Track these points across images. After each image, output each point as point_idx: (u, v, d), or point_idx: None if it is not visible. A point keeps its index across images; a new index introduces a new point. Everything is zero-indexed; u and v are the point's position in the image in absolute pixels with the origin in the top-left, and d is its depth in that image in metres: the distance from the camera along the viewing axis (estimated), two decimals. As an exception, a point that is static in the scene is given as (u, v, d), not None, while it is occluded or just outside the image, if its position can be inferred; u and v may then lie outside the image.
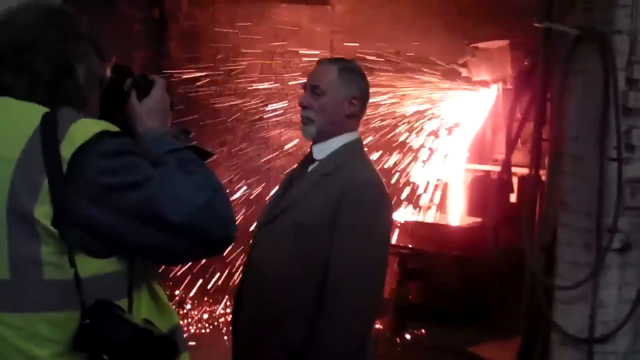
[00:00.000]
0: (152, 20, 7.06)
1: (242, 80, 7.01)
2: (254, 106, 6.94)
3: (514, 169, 4.58)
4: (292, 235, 2.31)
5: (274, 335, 2.31)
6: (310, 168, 2.44)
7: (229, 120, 7.01)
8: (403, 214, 6.15)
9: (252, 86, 6.94)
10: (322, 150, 2.41)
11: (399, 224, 5.86)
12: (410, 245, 5.82)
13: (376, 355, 5.24)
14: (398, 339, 5.53)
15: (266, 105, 7.05)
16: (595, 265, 3.03)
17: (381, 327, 5.61)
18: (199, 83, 6.82)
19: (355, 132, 2.46)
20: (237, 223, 1.59)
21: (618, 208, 2.96)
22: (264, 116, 7.07)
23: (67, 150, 1.40)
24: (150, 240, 1.46)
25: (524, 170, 4.75)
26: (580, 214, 3.14)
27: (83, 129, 1.43)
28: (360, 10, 7.00)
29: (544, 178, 3.65)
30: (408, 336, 5.57)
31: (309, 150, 2.49)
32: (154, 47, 6.97)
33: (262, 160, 6.92)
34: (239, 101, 6.98)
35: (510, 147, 3.76)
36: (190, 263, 1.74)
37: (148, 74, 1.73)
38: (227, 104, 7.00)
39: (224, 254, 1.54)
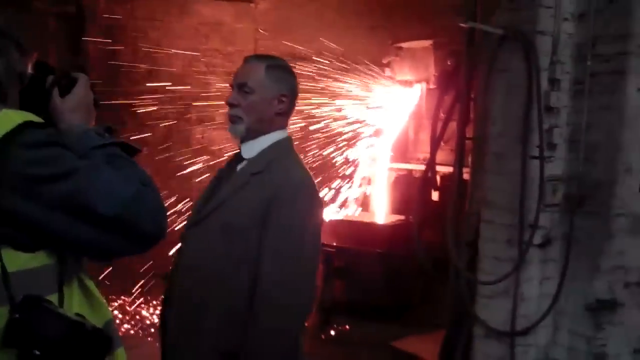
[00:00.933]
0: (68, 17, 6.84)
1: (163, 78, 6.89)
2: (174, 107, 6.84)
3: (437, 168, 4.66)
4: (221, 236, 2.26)
5: (204, 338, 2.26)
6: (239, 167, 2.40)
7: (147, 122, 6.89)
8: (327, 213, 6.18)
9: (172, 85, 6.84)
10: (251, 149, 2.38)
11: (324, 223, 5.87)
12: (334, 243, 5.85)
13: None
14: (323, 336, 5.55)
15: (188, 105, 6.96)
16: (518, 260, 3.11)
17: (307, 323, 5.62)
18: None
19: (284, 130, 2.44)
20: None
21: (539, 205, 3.04)
22: (186, 116, 6.99)
23: None
24: (78, 234, 1.42)
25: (447, 169, 4.87)
26: (503, 210, 3.21)
27: (5, 120, 1.40)
28: (284, 7, 7.00)
29: (466, 176, 3.72)
30: (333, 332, 5.60)
31: (237, 149, 2.45)
32: (71, 44, 6.77)
33: (184, 161, 6.83)
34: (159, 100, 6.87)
35: (435, 145, 3.81)
36: (120, 257, 1.66)
37: (70, 72, 1.70)
38: (146, 102, 6.88)
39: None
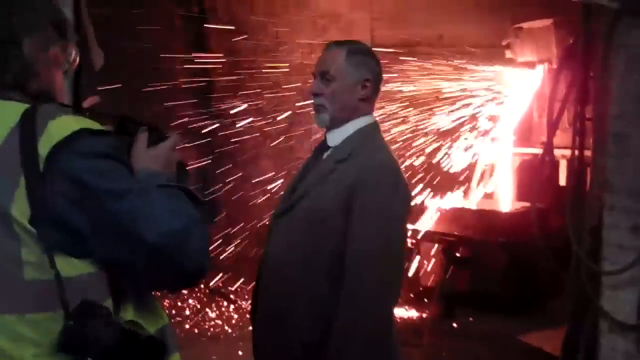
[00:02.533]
0: (192, 15, 7.10)
1: (281, 72, 6.98)
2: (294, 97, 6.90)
3: (563, 152, 4.44)
4: (307, 224, 2.26)
5: (289, 326, 2.27)
6: (324, 155, 2.38)
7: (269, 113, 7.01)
8: (449, 201, 6.06)
9: (291, 77, 6.90)
10: (336, 137, 2.36)
11: (443, 211, 5.77)
12: (456, 232, 5.72)
13: (423, 345, 5.23)
14: (445, 328, 5.44)
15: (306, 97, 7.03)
16: (643, 248, 2.90)
17: (428, 315, 5.54)
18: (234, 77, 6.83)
19: (370, 116, 2.39)
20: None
21: (665, 187, 2.82)
22: (306, 109, 7.04)
23: (44, 147, 1.37)
24: (117, 254, 1.41)
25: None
26: (626, 195, 3.01)
27: (61, 126, 1.40)
28: (400, -6, 6.89)
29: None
30: (455, 324, 5.49)
31: (323, 137, 2.43)
32: (194, 41, 7.01)
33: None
34: (280, 94, 6.96)
35: (552, 128, 3.62)
36: (157, 290, 1.65)
37: (163, 129, 1.71)
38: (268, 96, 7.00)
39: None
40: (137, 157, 1.61)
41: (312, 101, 2.39)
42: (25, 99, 1.49)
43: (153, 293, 1.58)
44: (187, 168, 1.74)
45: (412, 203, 5.24)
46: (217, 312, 6.25)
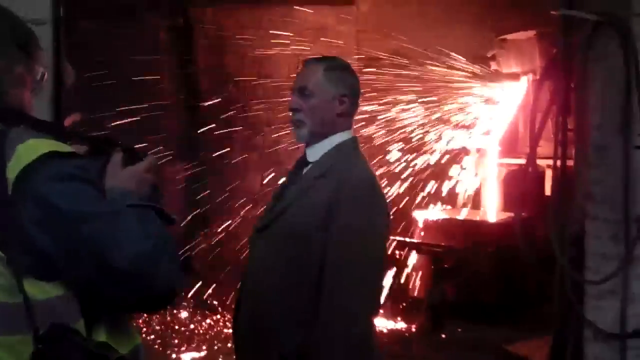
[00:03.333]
0: (177, 28, 7.10)
1: (270, 84, 7.00)
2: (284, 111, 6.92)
3: (547, 162, 4.46)
4: (286, 240, 2.27)
5: (270, 341, 2.28)
6: (304, 171, 2.40)
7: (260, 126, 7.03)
8: (435, 212, 6.09)
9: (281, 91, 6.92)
10: (315, 152, 2.37)
11: (430, 222, 5.79)
12: (443, 243, 5.74)
13: (411, 356, 5.23)
14: (434, 338, 5.45)
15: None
16: (625, 257, 2.93)
17: (416, 326, 5.54)
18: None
19: (348, 132, 2.41)
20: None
21: (645, 197, 2.86)
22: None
23: (12, 171, 1.37)
24: (86, 277, 1.41)
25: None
26: (607, 205, 3.04)
27: (31, 149, 1.40)
28: (386, 7, 6.95)
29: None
30: (443, 335, 5.50)
31: (303, 152, 2.44)
32: (180, 55, 7.01)
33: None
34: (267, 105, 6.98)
35: (535, 139, 3.65)
36: (128, 312, 1.64)
37: (139, 151, 1.72)
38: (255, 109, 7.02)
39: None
40: (111, 176, 1.61)
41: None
42: None
43: (126, 314, 1.58)
44: (160, 192, 1.72)
45: (394, 214, 5.24)
46: (204, 325, 6.25)
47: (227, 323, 6.21)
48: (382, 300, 2.40)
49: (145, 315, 6.08)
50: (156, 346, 5.71)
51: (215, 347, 5.75)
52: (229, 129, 6.98)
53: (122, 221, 1.43)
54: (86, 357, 1.38)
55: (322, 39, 7.07)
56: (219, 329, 6.24)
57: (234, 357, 2.50)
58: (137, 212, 1.50)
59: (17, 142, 1.41)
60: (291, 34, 6.99)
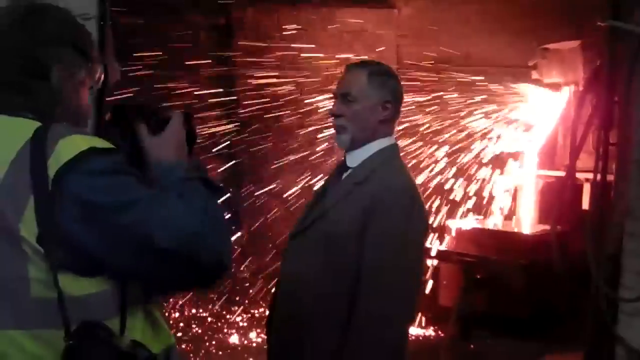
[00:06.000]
0: (218, 28, 7.13)
1: (309, 86, 6.99)
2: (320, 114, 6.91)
3: (585, 175, 4.38)
4: (322, 246, 2.26)
5: (304, 345, 2.27)
6: (343, 176, 2.38)
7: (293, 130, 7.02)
8: (469, 222, 6.03)
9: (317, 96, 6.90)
10: (356, 158, 2.36)
11: (463, 231, 5.74)
12: (476, 253, 5.68)
13: (438, 365, 5.17)
14: (462, 349, 5.40)
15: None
16: (662, 277, 2.86)
17: (444, 336, 5.49)
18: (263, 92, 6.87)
19: (390, 137, 2.39)
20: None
21: (686, 216, 2.78)
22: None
23: (53, 167, 1.39)
24: (135, 264, 1.42)
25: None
26: (647, 222, 2.97)
27: (70, 146, 1.41)
28: (427, 13, 6.89)
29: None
30: (472, 346, 5.44)
31: (343, 157, 2.43)
32: (220, 55, 7.03)
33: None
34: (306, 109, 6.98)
35: (575, 152, 3.59)
36: (181, 292, 1.67)
37: (164, 110, 1.71)
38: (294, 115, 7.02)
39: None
40: (147, 150, 1.62)
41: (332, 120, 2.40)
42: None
43: (160, 314, 1.58)
44: (195, 139, 1.72)
45: (432, 223, 5.20)
46: (235, 325, 6.27)
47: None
48: (418, 306, 2.36)
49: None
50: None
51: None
52: (265, 132, 7.00)
53: (164, 202, 1.44)
54: (115, 354, 1.38)
55: (361, 42, 7.05)
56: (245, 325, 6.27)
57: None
58: (182, 187, 1.50)
59: (58, 137, 1.42)
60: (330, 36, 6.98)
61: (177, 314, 6.29)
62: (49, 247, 1.37)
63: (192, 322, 6.23)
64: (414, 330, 5.96)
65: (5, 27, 1.51)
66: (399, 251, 2.21)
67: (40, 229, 1.37)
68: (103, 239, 1.39)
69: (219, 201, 1.61)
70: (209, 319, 6.34)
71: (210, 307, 6.47)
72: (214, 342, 5.87)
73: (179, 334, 5.82)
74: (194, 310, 6.40)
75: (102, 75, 1.67)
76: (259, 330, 6.01)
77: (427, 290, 5.85)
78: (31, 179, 1.38)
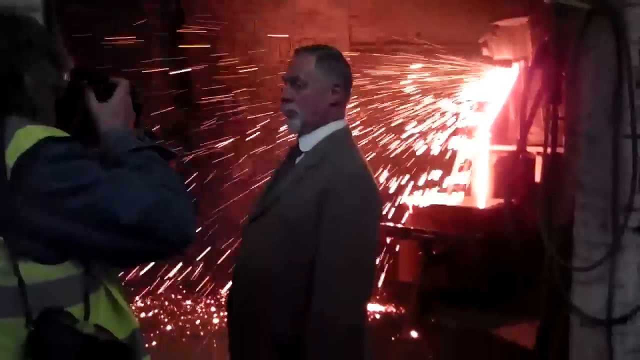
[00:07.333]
0: (168, 14, 7.07)
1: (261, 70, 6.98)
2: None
3: (537, 149, 4.48)
4: (278, 231, 2.28)
5: (263, 329, 2.30)
6: (297, 160, 2.41)
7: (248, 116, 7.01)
8: (425, 198, 6.12)
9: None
10: (308, 142, 2.38)
11: (420, 207, 5.82)
12: (433, 229, 5.77)
13: (398, 340, 5.28)
14: (423, 323, 5.50)
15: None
16: (612, 245, 2.96)
17: (404, 311, 5.58)
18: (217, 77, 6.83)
19: (341, 121, 2.41)
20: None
21: (634, 186, 2.88)
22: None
23: (11, 157, 1.40)
24: (102, 243, 1.44)
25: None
26: (596, 193, 3.06)
27: (27, 136, 1.42)
28: (378, -8, 6.92)
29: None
30: (432, 319, 5.54)
31: (296, 142, 2.45)
32: (171, 41, 6.98)
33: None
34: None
35: (525, 126, 3.67)
36: (148, 263, 1.70)
37: (110, 77, 1.72)
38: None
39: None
40: (96, 119, 1.64)
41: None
42: None
43: (123, 298, 1.60)
44: (141, 110, 1.74)
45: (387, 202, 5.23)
46: (197, 310, 6.28)
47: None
48: (373, 289, 2.41)
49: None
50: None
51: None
52: (221, 116, 6.97)
53: (123, 180, 1.47)
54: (75, 340, 1.40)
55: (314, 24, 7.05)
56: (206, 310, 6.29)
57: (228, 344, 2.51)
58: (137, 159, 1.53)
59: (15, 127, 1.44)
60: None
61: (138, 300, 6.29)
62: (9, 236, 1.38)
63: (151, 308, 6.24)
64: (375, 307, 6.05)
65: None
66: (353, 235, 2.23)
67: (0, 219, 1.38)
68: (67, 222, 1.41)
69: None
70: (167, 304, 6.36)
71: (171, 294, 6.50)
72: (172, 327, 5.89)
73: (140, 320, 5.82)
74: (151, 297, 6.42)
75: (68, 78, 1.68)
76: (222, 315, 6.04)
77: (386, 267, 5.93)
78: None
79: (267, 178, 2.56)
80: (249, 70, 6.97)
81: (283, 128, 6.66)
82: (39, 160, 1.41)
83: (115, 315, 1.55)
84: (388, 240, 5.81)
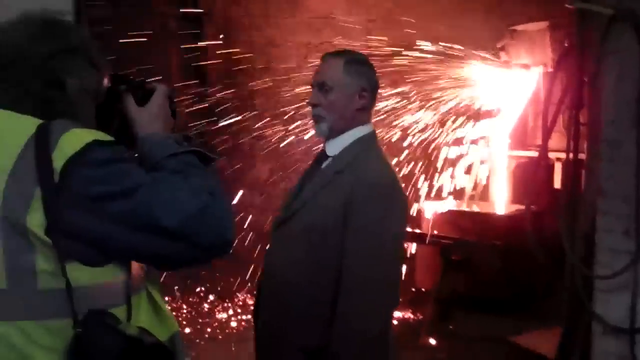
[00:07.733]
0: (187, 17, 7.10)
1: (280, 73, 6.98)
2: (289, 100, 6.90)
3: (557, 155, 4.44)
4: (304, 238, 2.27)
5: (290, 336, 2.29)
6: (323, 165, 2.40)
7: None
8: (445, 204, 6.08)
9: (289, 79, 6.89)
10: (335, 147, 2.37)
11: (439, 214, 5.79)
12: (452, 235, 5.73)
13: (417, 347, 5.24)
14: (442, 330, 5.46)
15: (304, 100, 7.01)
16: (636, 253, 2.92)
17: (424, 317, 5.55)
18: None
19: (368, 125, 2.40)
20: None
21: (658, 193, 2.84)
22: (301, 111, 7.04)
23: (58, 160, 1.41)
24: (144, 247, 1.46)
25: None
26: (619, 200, 3.03)
27: (74, 139, 1.44)
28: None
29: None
30: (451, 326, 5.50)
31: (322, 146, 2.44)
32: (190, 43, 6.99)
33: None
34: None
35: (547, 132, 3.63)
36: (188, 268, 1.70)
37: (148, 82, 1.73)
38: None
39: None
40: (135, 124, 1.65)
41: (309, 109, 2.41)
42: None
43: (165, 301, 1.62)
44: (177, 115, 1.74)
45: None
46: (217, 314, 6.29)
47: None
48: (399, 297, 2.39)
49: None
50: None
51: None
52: (237, 118, 6.98)
53: (165, 184, 1.48)
54: (120, 342, 1.41)
55: (330, 28, 7.04)
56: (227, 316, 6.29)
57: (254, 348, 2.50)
58: (177, 164, 1.54)
59: (61, 131, 1.45)
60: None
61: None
62: (56, 238, 1.40)
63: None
64: (395, 313, 6.01)
65: (23, 39, 1.53)
66: (379, 243, 2.22)
67: (47, 221, 1.39)
68: (109, 226, 1.43)
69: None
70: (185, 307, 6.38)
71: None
72: (191, 330, 5.90)
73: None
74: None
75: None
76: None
77: (407, 274, 5.90)
78: (37, 172, 1.40)
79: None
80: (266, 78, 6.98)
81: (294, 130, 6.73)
82: (83, 165, 1.42)
83: (156, 317, 1.57)
84: (407, 245, 5.78)
